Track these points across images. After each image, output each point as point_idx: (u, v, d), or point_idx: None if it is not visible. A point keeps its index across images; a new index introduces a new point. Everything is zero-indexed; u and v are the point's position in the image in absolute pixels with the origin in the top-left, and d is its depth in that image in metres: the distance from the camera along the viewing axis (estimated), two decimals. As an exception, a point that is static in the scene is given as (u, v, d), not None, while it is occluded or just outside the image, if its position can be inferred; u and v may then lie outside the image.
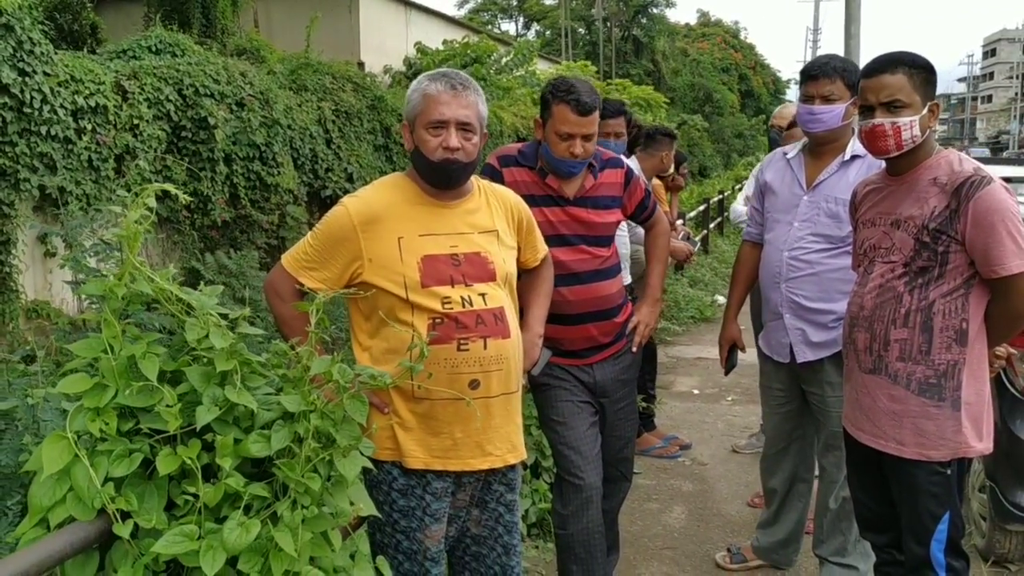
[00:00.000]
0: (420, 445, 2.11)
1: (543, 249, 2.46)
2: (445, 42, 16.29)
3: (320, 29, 11.75)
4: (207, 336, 1.65)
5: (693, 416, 5.51)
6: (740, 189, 21.66)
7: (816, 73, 2.75)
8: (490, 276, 2.12)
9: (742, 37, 51.90)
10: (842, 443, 2.80)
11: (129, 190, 6.78)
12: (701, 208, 11.67)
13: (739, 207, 4.61)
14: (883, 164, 2.33)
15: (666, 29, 40.00)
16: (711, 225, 12.99)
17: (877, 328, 2.21)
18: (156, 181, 7.48)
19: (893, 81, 2.16)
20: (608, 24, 36.40)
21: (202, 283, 1.87)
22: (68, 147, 6.64)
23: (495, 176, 2.65)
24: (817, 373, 2.88)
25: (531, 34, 41.43)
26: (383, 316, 2.06)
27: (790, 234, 2.85)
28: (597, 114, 2.62)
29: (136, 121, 7.21)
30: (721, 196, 15.02)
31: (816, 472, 3.18)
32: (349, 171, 9.37)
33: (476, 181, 2.27)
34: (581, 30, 39.44)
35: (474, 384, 2.07)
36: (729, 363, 3.24)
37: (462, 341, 2.05)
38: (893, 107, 2.15)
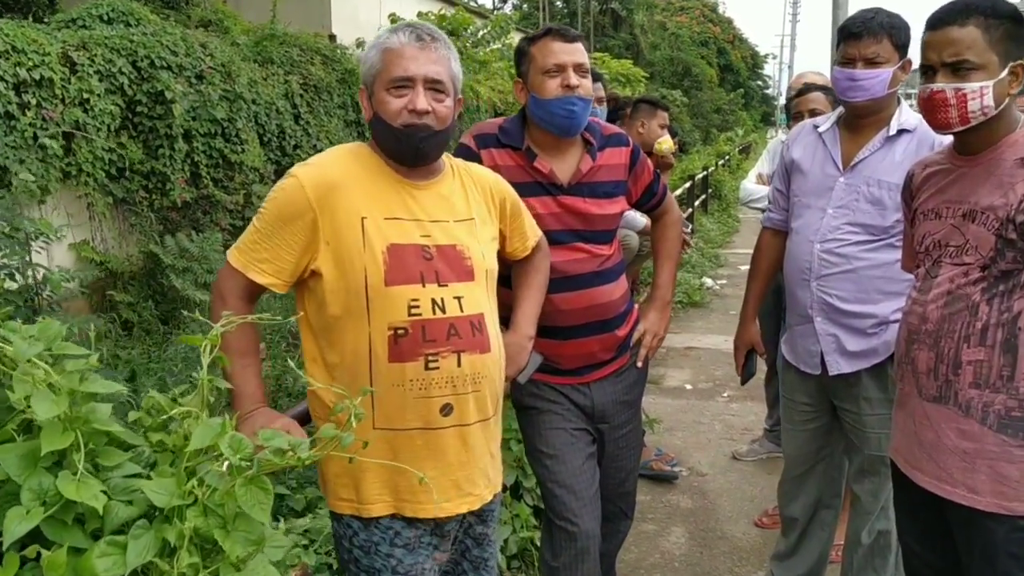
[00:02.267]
0: (384, 487, 1.72)
1: (535, 234, 2.06)
2: (420, 14, 15.86)
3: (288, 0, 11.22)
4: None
5: (687, 416, 5.07)
6: (725, 165, 21.40)
7: (858, 30, 2.28)
8: (467, 274, 1.75)
9: (720, 11, 51.58)
10: (881, 469, 2.42)
11: (80, 169, 6.31)
12: (687, 185, 11.27)
13: (750, 185, 4.15)
14: (941, 139, 1.92)
15: (644, 2, 39.51)
16: (695, 203, 12.60)
17: (945, 346, 1.79)
18: (110, 159, 7.08)
19: (962, 36, 1.73)
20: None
21: (171, 271, 1.41)
22: (10, 123, 6.13)
23: (471, 159, 2.18)
24: (852, 387, 2.46)
25: (508, 7, 40.73)
26: (332, 320, 1.67)
27: (823, 223, 2.41)
28: (584, 48, 2.22)
29: (86, 95, 6.71)
30: (706, 172, 14.63)
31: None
32: (319, 147, 8.91)
33: (448, 160, 1.88)
34: (559, 3, 38.78)
35: (446, 410, 1.70)
36: (747, 371, 2.83)
37: (431, 357, 1.67)
38: (959, 69, 1.74)
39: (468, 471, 1.76)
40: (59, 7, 11.41)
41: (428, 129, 1.69)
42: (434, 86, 1.70)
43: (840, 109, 2.53)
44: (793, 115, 3.39)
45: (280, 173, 8.59)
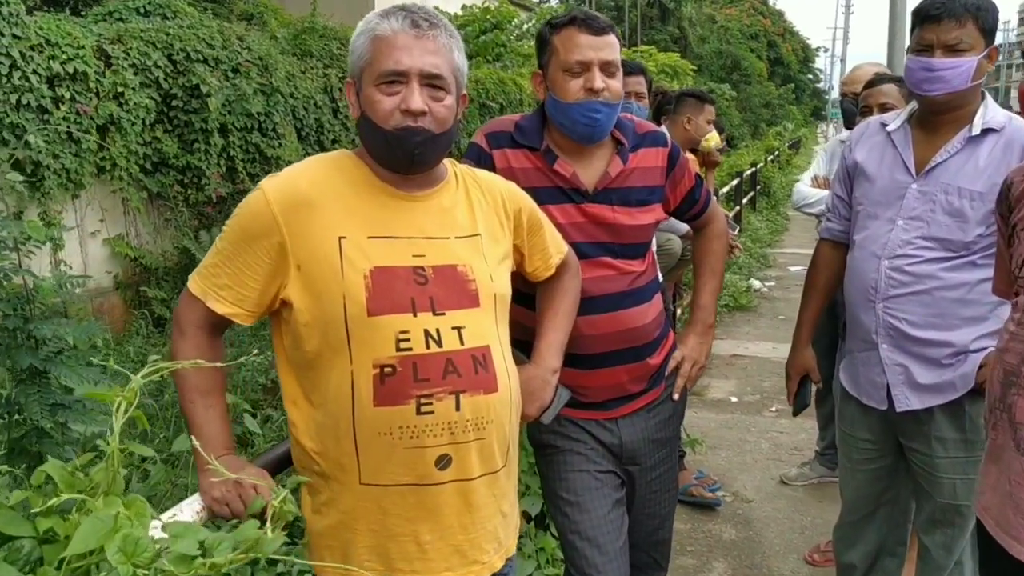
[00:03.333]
0: (373, 552, 1.48)
1: (560, 249, 1.79)
2: (464, 7, 15.70)
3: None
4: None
5: (731, 433, 4.73)
6: (774, 161, 20.84)
7: (937, 12, 1.97)
8: (470, 300, 1.49)
9: (771, 3, 50.73)
10: (955, 519, 2.14)
11: (115, 164, 6.20)
12: (735, 182, 10.88)
13: (804, 188, 3.82)
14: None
15: (693, -5, 38.87)
16: (744, 200, 12.19)
17: None
18: (144, 153, 7.00)
19: None
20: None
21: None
22: (44, 117, 6.06)
23: (482, 161, 1.95)
24: (923, 426, 2.15)
25: (554, 1, 40.43)
26: (310, 357, 1.45)
27: (892, 236, 2.11)
28: (616, 41, 1.91)
29: (121, 89, 6.62)
30: (754, 169, 14.19)
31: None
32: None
33: (451, 166, 1.63)
34: (605, -4, 38.33)
35: (443, 462, 1.45)
36: (799, 401, 2.54)
37: (424, 400, 1.42)
38: None
39: (472, 534, 1.51)
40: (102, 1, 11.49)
41: (424, 133, 1.43)
42: (432, 81, 1.44)
43: (913, 104, 2.22)
44: (860, 110, 3.03)
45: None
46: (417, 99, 1.41)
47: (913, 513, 2.37)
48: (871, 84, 3.02)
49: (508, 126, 2.01)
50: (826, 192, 3.67)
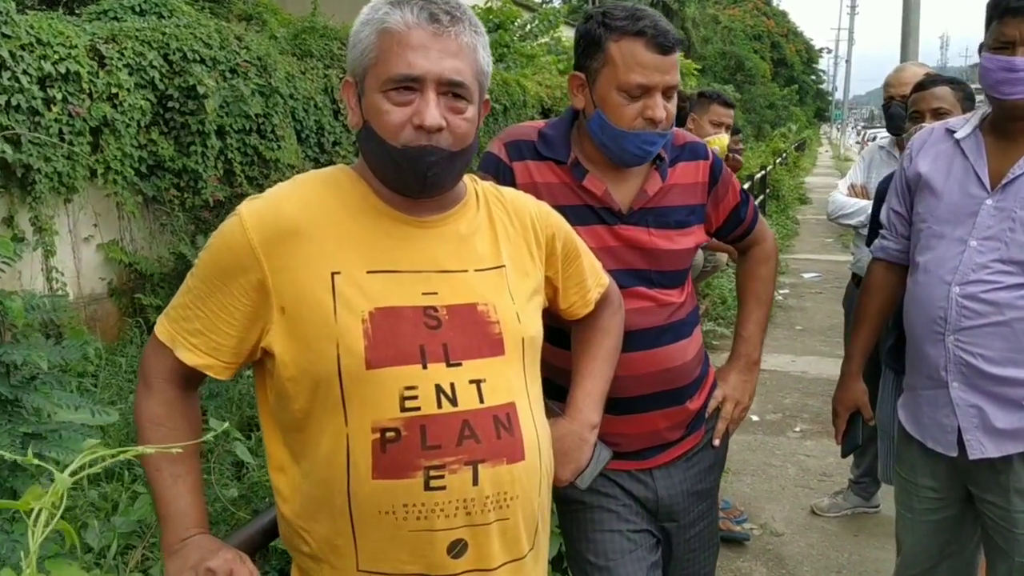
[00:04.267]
0: None
1: (600, 282, 1.55)
2: (470, 7, 15.50)
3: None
4: None
5: (755, 456, 4.46)
6: (782, 163, 20.68)
7: (1020, 4, 1.75)
8: (492, 346, 1.26)
9: (775, 4, 50.65)
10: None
11: (108, 167, 6.00)
12: (745, 186, 10.64)
13: (841, 197, 3.56)
14: None
15: (697, -5, 38.73)
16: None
17: None
18: (139, 156, 6.78)
19: None
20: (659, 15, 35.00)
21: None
22: (35, 119, 5.84)
23: (501, 174, 1.72)
24: (1000, 475, 1.91)
25: (557, 1, 40.26)
26: (299, 416, 1.21)
27: (964, 258, 1.88)
28: (677, 57, 1.66)
29: (115, 90, 6.40)
30: (764, 171, 13.94)
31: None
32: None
33: (472, 184, 1.39)
34: (609, -4, 38.21)
35: (457, 548, 1.21)
36: (849, 440, 2.28)
37: (434, 472, 1.17)
38: None
39: None
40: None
41: (439, 152, 1.19)
42: (452, 90, 1.20)
43: (984, 110, 1.98)
44: (911, 115, 2.78)
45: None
46: (434, 113, 1.18)
47: (979, 567, 2.13)
48: (921, 87, 2.76)
49: (530, 134, 1.75)
50: (866, 202, 3.44)
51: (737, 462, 4.35)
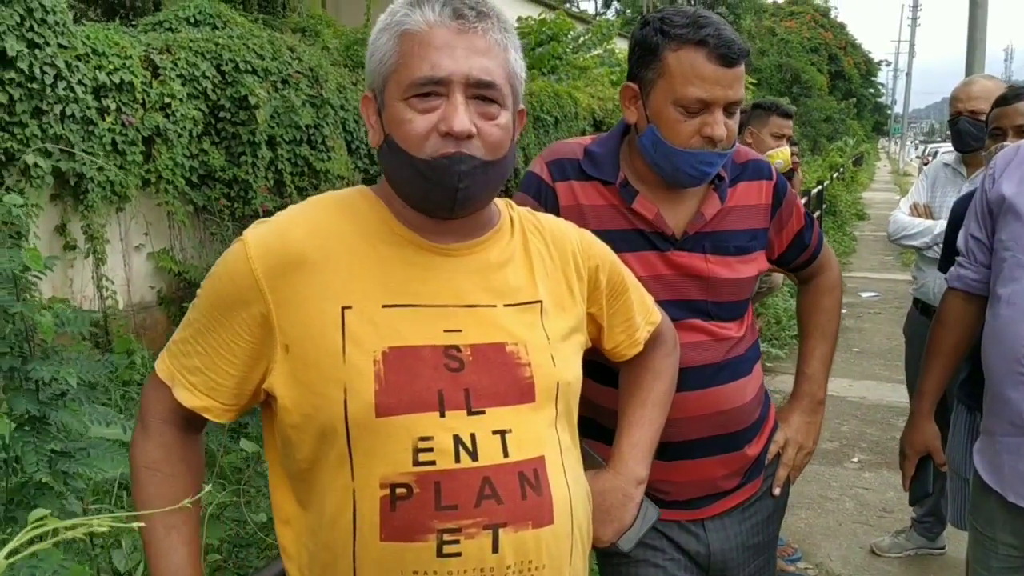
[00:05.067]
0: None
1: (650, 319, 1.39)
2: (520, 18, 15.47)
3: (385, 3, 10.93)
4: None
5: (810, 488, 4.21)
6: (839, 178, 20.26)
7: None
8: (521, 392, 1.12)
9: (833, 16, 49.90)
10: None
11: (160, 176, 6.05)
12: (802, 201, 10.37)
13: (903, 217, 3.36)
14: None
15: (752, 7, 38.49)
16: (809, 220, 11.63)
17: None
18: (191, 166, 6.83)
19: None
20: (691, 2, 34.75)
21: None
22: (88, 129, 5.91)
23: (543, 195, 1.58)
24: None
25: (611, 13, 40.15)
26: (305, 467, 1.10)
27: (1052, 292, 1.71)
28: (744, 70, 1.50)
29: (168, 100, 6.46)
30: (820, 186, 13.61)
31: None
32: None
33: (506, 209, 1.26)
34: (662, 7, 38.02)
35: None
36: (918, 487, 2.09)
37: (448, 535, 1.04)
38: None
39: None
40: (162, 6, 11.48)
41: (471, 160, 1.07)
42: (482, 92, 1.08)
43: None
44: (991, 132, 2.58)
45: (368, 183, 8.28)
46: (462, 117, 1.05)
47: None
48: (1004, 101, 2.55)
49: (575, 152, 1.61)
50: (930, 222, 3.24)
51: (791, 494, 4.12)
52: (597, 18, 24.37)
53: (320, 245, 1.10)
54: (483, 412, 1.07)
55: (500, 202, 1.25)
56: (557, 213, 1.54)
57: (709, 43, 1.45)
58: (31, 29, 5.39)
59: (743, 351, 1.65)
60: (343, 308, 1.08)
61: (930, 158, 28.17)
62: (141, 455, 1.13)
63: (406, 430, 1.04)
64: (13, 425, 2.28)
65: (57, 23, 5.59)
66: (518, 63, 1.13)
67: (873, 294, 9.08)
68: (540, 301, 1.18)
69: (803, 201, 7.73)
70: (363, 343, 1.06)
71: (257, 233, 1.11)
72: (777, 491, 1.75)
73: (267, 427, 1.17)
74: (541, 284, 1.20)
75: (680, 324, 1.54)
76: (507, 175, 1.14)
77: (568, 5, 32.60)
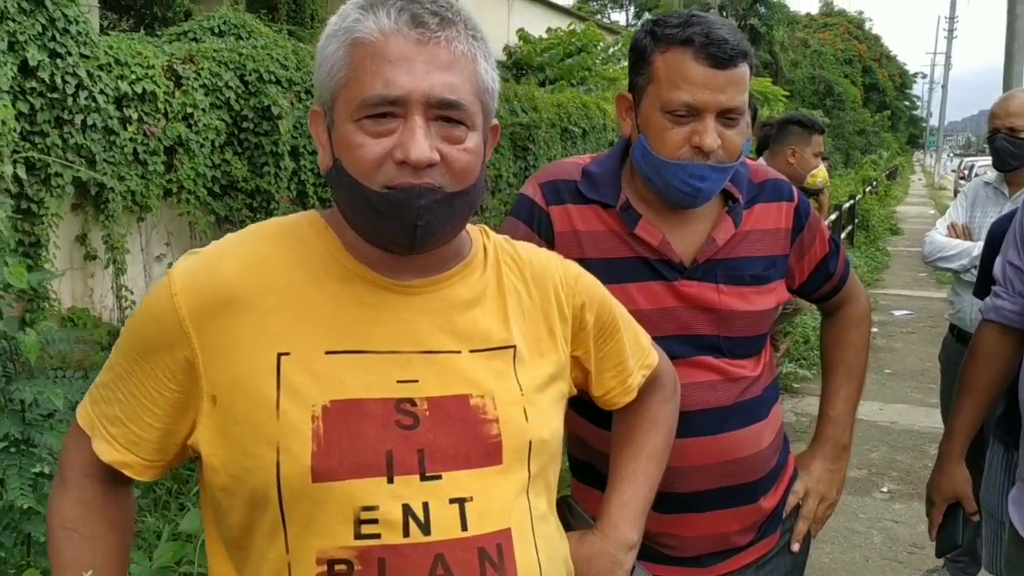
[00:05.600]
0: None
1: (646, 362, 1.23)
2: (549, 30, 15.41)
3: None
4: None
5: (835, 520, 3.94)
6: (872, 192, 19.95)
7: None
8: (488, 453, 0.97)
9: (867, 27, 49.38)
10: None
11: (182, 186, 6.03)
12: (832, 216, 10.16)
13: (939, 237, 3.18)
14: None
15: (785, 18, 38.13)
16: (841, 235, 11.41)
17: None
18: (213, 176, 6.81)
19: None
20: (724, 13, 34.51)
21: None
22: (110, 138, 5.91)
23: (536, 220, 1.44)
24: None
25: (640, 24, 40.06)
26: (238, 534, 0.97)
27: (1100, 328, 1.57)
28: (747, 71, 1.36)
29: (190, 110, 6.45)
30: (852, 201, 13.36)
31: None
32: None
33: (480, 236, 1.11)
34: (694, 19, 37.86)
35: None
36: (946, 536, 1.92)
37: None
38: None
39: None
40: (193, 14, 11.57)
41: (432, 192, 0.92)
42: (446, 112, 0.93)
43: None
44: None
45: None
46: (421, 143, 0.90)
47: None
48: None
49: (572, 172, 1.47)
50: (968, 244, 3.08)
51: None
52: (628, 29, 24.26)
53: (256, 281, 0.96)
54: (439, 477, 0.93)
55: (474, 230, 1.10)
56: (551, 239, 1.42)
57: (695, 42, 1.31)
58: (53, 39, 5.39)
59: (759, 392, 1.49)
60: (279, 354, 0.94)
61: (966, 172, 27.67)
62: (57, 512, 1.01)
63: (347, 498, 0.90)
64: (-1, 448, 2.21)
65: (79, 33, 5.59)
66: (489, 74, 0.98)
67: (906, 312, 8.83)
68: (513, 346, 1.04)
69: (834, 216, 7.50)
70: (301, 396, 0.92)
71: (185, 267, 0.98)
72: (796, 547, 1.59)
73: (202, 485, 1.04)
74: (516, 326, 1.05)
75: (688, 362, 1.40)
76: (477, 204, 1.00)
77: (599, 16, 32.54)
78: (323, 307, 0.97)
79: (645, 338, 1.25)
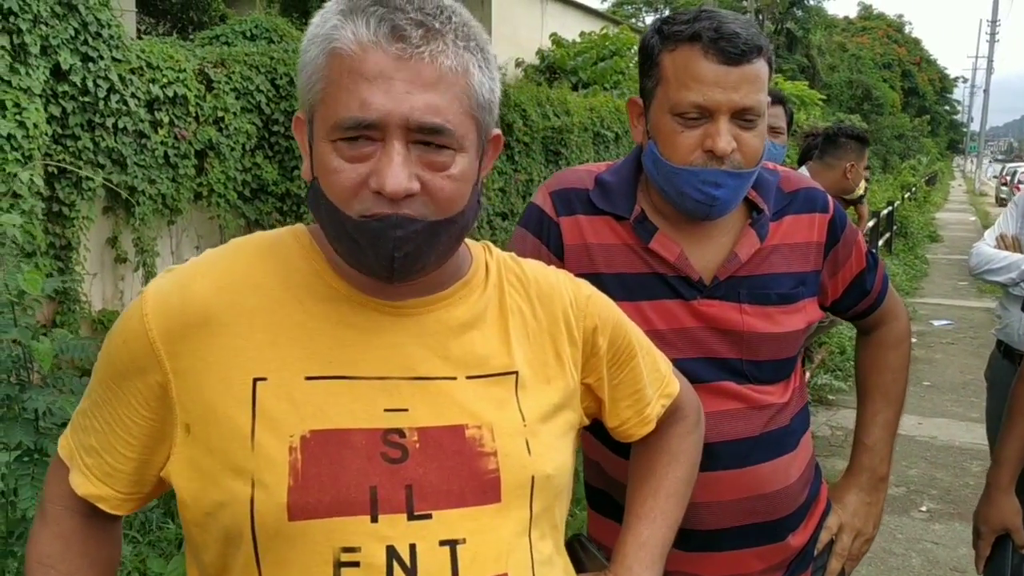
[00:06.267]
0: None
1: (666, 391, 1.12)
2: (582, 34, 15.33)
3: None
4: None
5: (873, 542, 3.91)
6: (911, 198, 19.61)
7: None
8: (483, 490, 0.88)
9: (907, 31, 48.68)
10: None
11: (212, 190, 6.03)
12: (870, 223, 9.94)
13: (987, 248, 3.05)
14: None
15: (823, 22, 37.74)
16: (879, 242, 11.18)
17: None
18: (243, 180, 6.82)
19: None
20: (760, 16, 34.19)
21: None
22: (141, 142, 5.94)
23: (545, 231, 1.35)
24: None
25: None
26: (213, 574, 0.90)
27: None
28: (765, 68, 1.26)
29: (221, 113, 6.47)
30: (890, 207, 13.09)
31: None
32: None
33: (483, 253, 1.03)
34: (730, 23, 37.63)
35: None
36: (994, 569, 1.80)
37: None
38: None
39: None
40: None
41: (411, 224, 0.83)
42: (428, 138, 0.83)
43: None
44: None
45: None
46: (397, 173, 0.81)
47: None
48: None
49: (584, 181, 1.37)
50: (1017, 256, 2.94)
51: (852, 544, 3.81)
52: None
53: (232, 301, 0.88)
54: (429, 516, 0.85)
55: (475, 247, 1.02)
56: (560, 252, 1.33)
57: (703, 37, 1.21)
58: (85, 43, 5.42)
59: (787, 421, 1.37)
60: (255, 380, 0.86)
61: (1008, 178, 27.07)
62: (36, 546, 0.95)
63: (326, 538, 0.82)
64: (11, 457, 2.18)
65: (111, 37, 5.61)
66: (484, 85, 0.87)
67: (946, 322, 8.59)
68: (515, 372, 0.94)
69: (872, 223, 7.29)
70: (278, 425, 0.84)
71: (158, 286, 0.90)
72: None
73: (183, 518, 0.96)
74: (519, 350, 0.96)
75: (709, 387, 1.29)
76: (468, 228, 0.90)
77: (633, 20, 32.41)
78: (304, 329, 0.89)
79: (665, 364, 1.15)
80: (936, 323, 8.61)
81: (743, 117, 1.24)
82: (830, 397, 5.66)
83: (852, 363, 6.36)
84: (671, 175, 1.27)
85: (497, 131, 0.93)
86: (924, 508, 4.19)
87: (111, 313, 6.27)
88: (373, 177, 0.82)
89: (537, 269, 1.04)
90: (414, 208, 0.83)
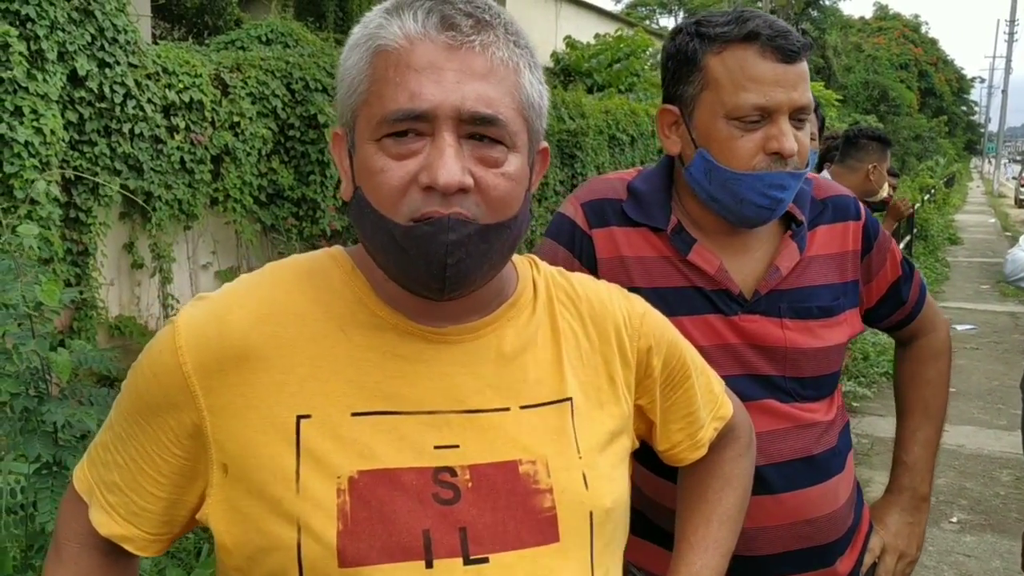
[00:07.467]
0: None
1: (719, 413, 1.06)
2: (597, 36, 15.28)
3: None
4: None
5: None
6: (931, 200, 19.44)
7: None
8: (541, 530, 0.82)
9: (923, 31, 48.35)
10: None
11: (228, 195, 6.01)
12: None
13: (1022, 255, 3.00)
14: None
15: (839, 22, 37.50)
16: (900, 245, 11.05)
17: None
18: (259, 185, 6.81)
19: None
20: (775, 14, 34.02)
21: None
22: (157, 147, 5.93)
23: (577, 244, 1.29)
24: None
25: (690, 29, 39.67)
26: None
27: None
28: (807, 67, 1.22)
29: (237, 118, 6.45)
30: (911, 211, 12.95)
31: None
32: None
33: (529, 269, 0.95)
34: (745, 24, 37.52)
35: None
36: None
37: None
38: None
39: None
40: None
41: (465, 226, 0.77)
42: (481, 129, 0.78)
43: None
44: None
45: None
46: (451, 164, 0.76)
47: None
48: None
49: (616, 190, 1.32)
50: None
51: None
52: (676, 35, 24.04)
53: (272, 333, 0.83)
54: (485, 560, 0.79)
55: (521, 262, 0.95)
56: (594, 266, 1.27)
57: (761, 35, 1.17)
58: (102, 48, 5.41)
59: (834, 441, 1.31)
60: (299, 417, 0.81)
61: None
62: None
63: None
64: (31, 469, 2.15)
65: (128, 42, 5.61)
66: (534, 87, 0.82)
67: (969, 327, 8.46)
68: (569, 399, 0.88)
69: (893, 226, 7.20)
70: (324, 465, 0.79)
71: (191, 316, 0.84)
72: None
73: (218, 558, 0.90)
74: (572, 375, 0.90)
75: (752, 406, 1.20)
76: (519, 240, 0.84)
77: (647, 22, 32.32)
78: (349, 361, 0.83)
79: (719, 385, 1.09)
80: (959, 328, 8.47)
81: (797, 116, 1.20)
82: (854, 404, 5.56)
83: (875, 369, 6.25)
84: (731, 182, 1.21)
85: (545, 144, 0.88)
86: (955, 519, 4.10)
87: (128, 319, 6.26)
88: (424, 172, 0.77)
89: (588, 285, 0.98)
90: (467, 207, 0.77)
